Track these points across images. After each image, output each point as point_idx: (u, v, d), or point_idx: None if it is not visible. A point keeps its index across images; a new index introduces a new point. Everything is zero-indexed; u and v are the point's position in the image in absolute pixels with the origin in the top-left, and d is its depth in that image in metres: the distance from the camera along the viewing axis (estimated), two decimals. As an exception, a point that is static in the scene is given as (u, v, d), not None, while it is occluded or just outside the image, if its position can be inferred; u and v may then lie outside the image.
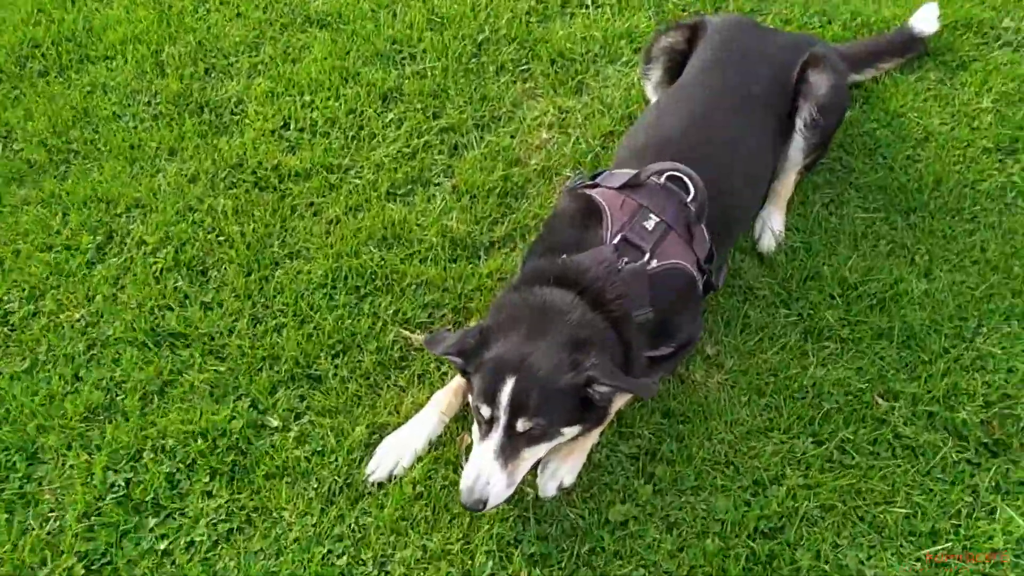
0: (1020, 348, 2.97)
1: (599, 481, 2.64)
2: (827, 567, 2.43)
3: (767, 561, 2.45)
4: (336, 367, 2.95)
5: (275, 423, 2.80)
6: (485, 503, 2.26)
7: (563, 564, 2.46)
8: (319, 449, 2.72)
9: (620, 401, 2.70)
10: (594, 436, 2.68)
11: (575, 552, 2.48)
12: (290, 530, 2.53)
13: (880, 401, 2.85)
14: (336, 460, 2.69)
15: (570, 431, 2.39)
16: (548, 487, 2.57)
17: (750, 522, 2.52)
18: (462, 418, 2.78)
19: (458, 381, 2.80)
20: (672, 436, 2.74)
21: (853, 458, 2.70)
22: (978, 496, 2.60)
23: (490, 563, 2.45)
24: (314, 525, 2.53)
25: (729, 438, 2.75)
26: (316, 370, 2.94)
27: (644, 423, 2.78)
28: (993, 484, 2.62)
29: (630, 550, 2.48)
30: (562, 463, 2.60)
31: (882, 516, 2.55)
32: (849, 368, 2.93)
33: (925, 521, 2.54)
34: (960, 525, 2.53)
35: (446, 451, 2.69)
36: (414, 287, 3.18)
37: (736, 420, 2.80)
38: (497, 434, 2.29)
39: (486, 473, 2.28)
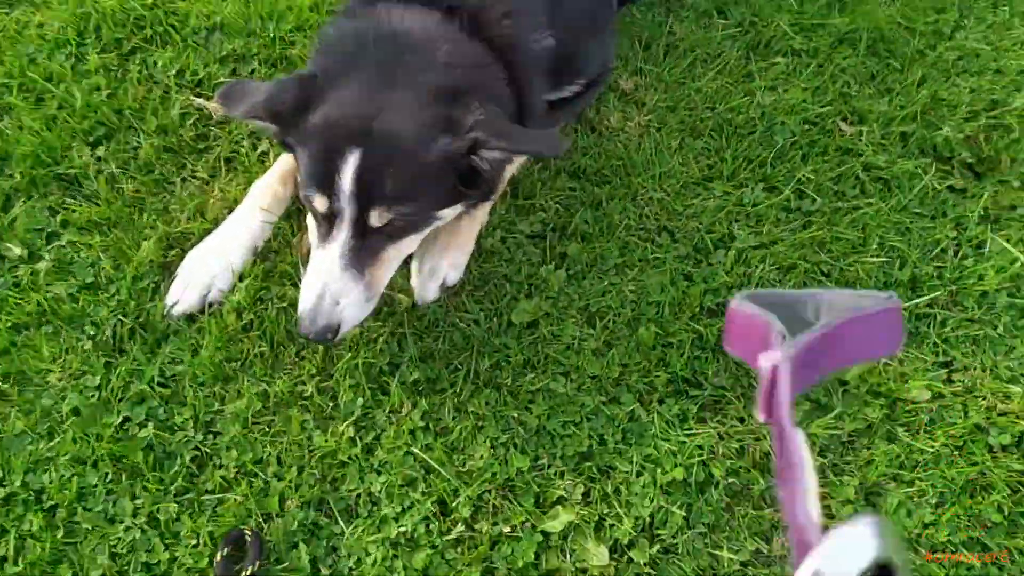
0: (1010, 41, 2.51)
1: (495, 274, 2.16)
2: (791, 343, 2.05)
3: (716, 345, 2.07)
4: (100, 161, 2.20)
5: (16, 251, 2.07)
6: (336, 330, 1.72)
7: (458, 387, 2.00)
8: (89, 281, 2.04)
9: (514, 165, 2.15)
10: (482, 215, 2.18)
11: (472, 370, 2.04)
12: (63, 398, 1.90)
13: (844, 127, 2.39)
14: (117, 293, 2.03)
15: (449, 213, 1.88)
16: (427, 290, 2.10)
17: (693, 300, 2.13)
18: (296, 213, 2.14)
19: (285, 163, 2.17)
20: (585, 203, 2.24)
21: (814, 202, 2.28)
22: (964, 230, 2.28)
23: (359, 400, 1.97)
24: (98, 388, 1.92)
25: (659, 196, 2.26)
26: (69, 168, 2.17)
27: (548, 191, 2.27)
28: (981, 213, 2.29)
29: (544, 357, 2.06)
30: (442, 256, 2.11)
31: (852, 268, 2.19)
32: (805, 88, 2.44)
33: (904, 268, 2.18)
34: (944, 267, 2.20)
35: (279, 261, 2.10)
36: (204, 34, 2.46)
37: (666, 172, 2.31)
38: (343, 234, 1.75)
39: (334, 289, 1.75)
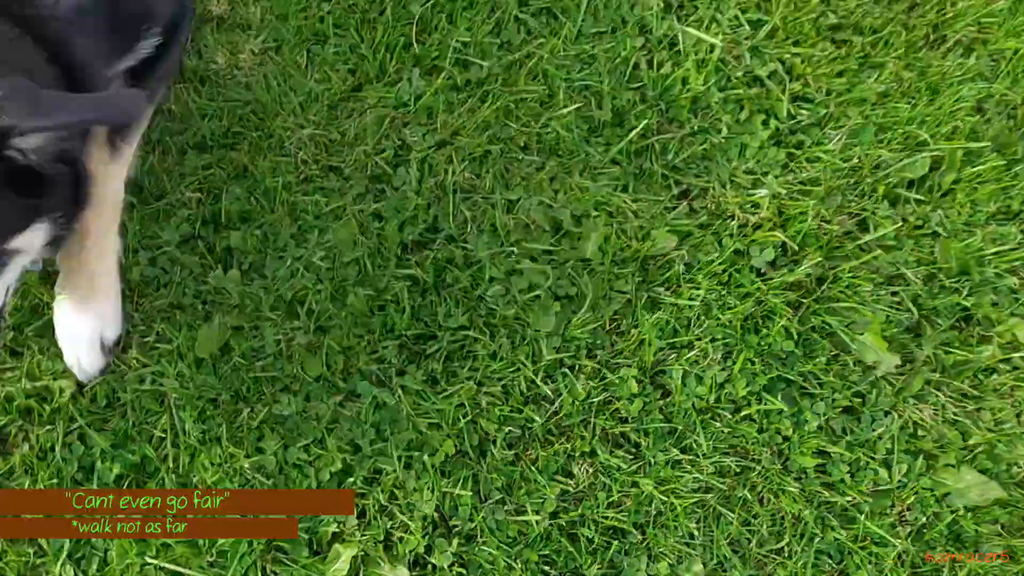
0: None
1: (159, 307, 1.83)
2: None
3: (436, 281, 1.85)
4: None
5: None
6: None
7: (170, 460, 1.75)
8: None
9: (119, 162, 1.77)
10: (110, 242, 1.79)
11: (180, 431, 1.75)
12: None
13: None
14: None
15: (31, 240, 1.45)
16: (87, 360, 1.77)
17: (391, 242, 1.90)
18: None
19: None
20: (228, 177, 1.94)
21: (482, 68, 2.06)
22: (649, 32, 2.14)
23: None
24: None
25: (309, 132, 2.00)
26: None
27: (179, 179, 1.95)
28: (659, 3, 2.13)
29: (253, 380, 1.79)
30: (81, 313, 1.76)
31: (550, 129, 2.03)
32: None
33: (602, 105, 2.05)
34: (644, 87, 2.08)
35: None
36: None
37: (306, 99, 2.02)
38: None
39: None
